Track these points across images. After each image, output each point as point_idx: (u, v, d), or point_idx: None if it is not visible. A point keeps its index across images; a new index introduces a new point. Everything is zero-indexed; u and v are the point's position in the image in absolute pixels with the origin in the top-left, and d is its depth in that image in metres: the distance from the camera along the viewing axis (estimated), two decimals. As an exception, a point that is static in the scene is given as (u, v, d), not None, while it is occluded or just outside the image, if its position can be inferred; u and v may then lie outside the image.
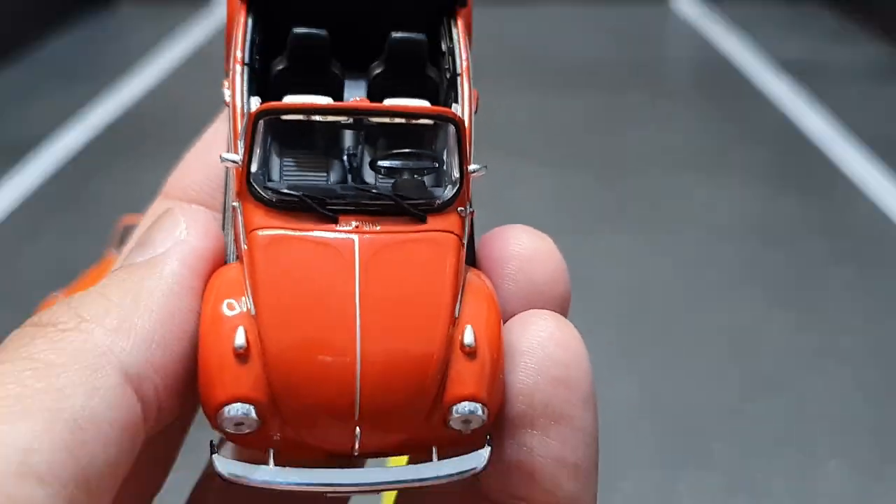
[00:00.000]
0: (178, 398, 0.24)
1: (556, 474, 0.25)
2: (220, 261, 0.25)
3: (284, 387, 0.22)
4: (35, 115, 2.55)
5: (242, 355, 0.23)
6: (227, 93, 0.27)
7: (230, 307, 0.23)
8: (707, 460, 1.25)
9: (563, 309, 0.26)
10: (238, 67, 0.27)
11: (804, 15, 3.70)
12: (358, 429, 0.23)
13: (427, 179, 0.25)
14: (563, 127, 2.49)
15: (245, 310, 0.23)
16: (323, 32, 0.27)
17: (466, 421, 0.23)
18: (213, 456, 0.23)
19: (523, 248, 0.26)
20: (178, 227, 0.26)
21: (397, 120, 0.25)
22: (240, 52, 0.27)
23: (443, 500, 0.28)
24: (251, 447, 0.24)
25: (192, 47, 3.29)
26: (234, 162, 0.25)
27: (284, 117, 0.24)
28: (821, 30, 3.46)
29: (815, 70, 2.91)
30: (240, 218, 0.25)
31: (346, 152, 0.26)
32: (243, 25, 0.27)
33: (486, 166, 0.26)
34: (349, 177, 0.25)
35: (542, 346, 0.25)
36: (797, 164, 2.23)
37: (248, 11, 0.28)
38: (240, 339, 0.23)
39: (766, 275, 1.71)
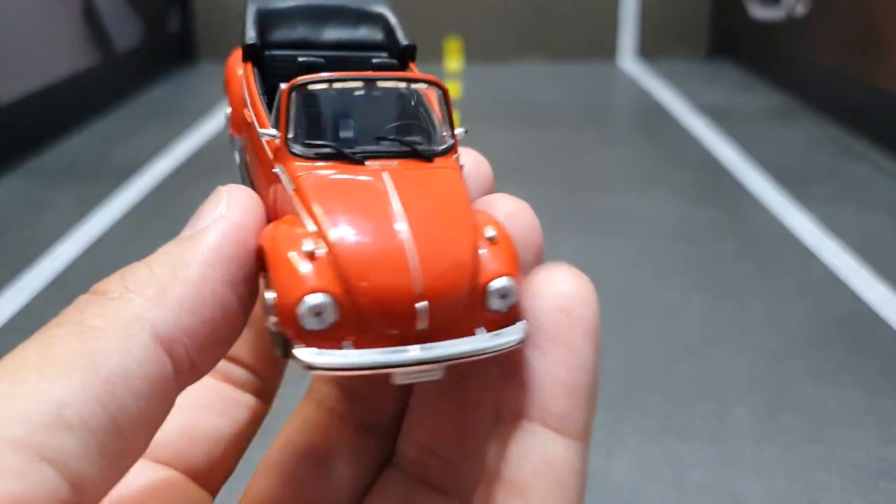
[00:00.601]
0: (210, 356, 0.22)
1: (550, 391, 0.23)
2: (259, 230, 0.23)
3: (355, 279, 0.20)
4: (138, 145, 2.55)
5: (312, 257, 0.21)
6: (249, 113, 0.27)
7: (291, 228, 0.22)
8: (644, 407, 1.25)
9: (537, 255, 0.25)
10: (260, 98, 0.26)
11: (718, 70, 3.70)
12: (418, 311, 0.21)
13: (423, 137, 0.25)
14: (537, 155, 2.49)
15: (307, 230, 0.21)
16: (321, 60, 0.26)
17: (503, 296, 0.22)
18: (295, 350, 0.21)
19: (506, 209, 0.25)
20: (221, 204, 0.23)
21: (400, 85, 0.24)
22: (258, 89, 0.27)
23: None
24: (326, 345, 0.21)
25: (255, 95, 3.29)
26: (271, 135, 0.24)
27: (311, 87, 0.24)
28: (730, 82, 3.45)
29: (726, 113, 2.91)
30: (283, 176, 0.23)
31: (355, 123, 0.25)
32: (252, 73, 0.27)
33: (467, 130, 0.25)
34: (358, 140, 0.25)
35: (555, 284, 0.24)
36: (713, 184, 2.22)
37: (254, 66, 0.28)
38: (307, 245, 0.21)
39: (688, 267, 1.71)
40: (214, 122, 2.85)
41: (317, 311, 0.20)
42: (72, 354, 0.19)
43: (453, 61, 3.87)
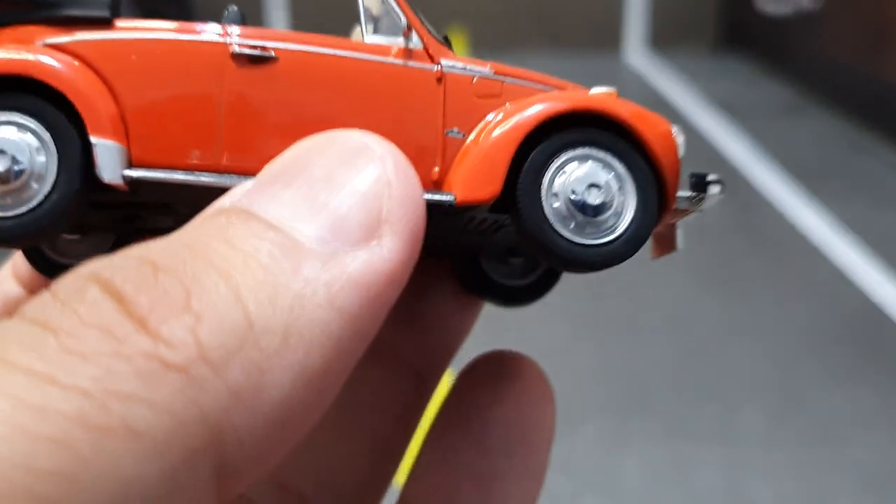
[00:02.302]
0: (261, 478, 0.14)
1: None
2: (409, 272, 0.15)
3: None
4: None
5: None
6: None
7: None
8: (651, 408, 1.25)
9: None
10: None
11: (726, 64, 3.69)
12: None
13: None
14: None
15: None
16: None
17: None
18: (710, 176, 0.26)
19: None
20: (381, 202, 0.15)
21: None
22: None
23: None
24: None
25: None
26: (421, 29, 0.25)
27: None
28: (739, 76, 3.45)
29: (735, 107, 2.91)
30: (470, 67, 0.25)
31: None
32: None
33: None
34: None
35: (523, 386, 0.25)
36: (721, 180, 2.22)
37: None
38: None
39: (697, 267, 1.71)
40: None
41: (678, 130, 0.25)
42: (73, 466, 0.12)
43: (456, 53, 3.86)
